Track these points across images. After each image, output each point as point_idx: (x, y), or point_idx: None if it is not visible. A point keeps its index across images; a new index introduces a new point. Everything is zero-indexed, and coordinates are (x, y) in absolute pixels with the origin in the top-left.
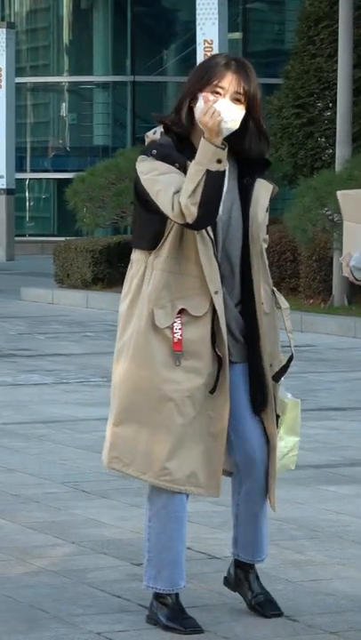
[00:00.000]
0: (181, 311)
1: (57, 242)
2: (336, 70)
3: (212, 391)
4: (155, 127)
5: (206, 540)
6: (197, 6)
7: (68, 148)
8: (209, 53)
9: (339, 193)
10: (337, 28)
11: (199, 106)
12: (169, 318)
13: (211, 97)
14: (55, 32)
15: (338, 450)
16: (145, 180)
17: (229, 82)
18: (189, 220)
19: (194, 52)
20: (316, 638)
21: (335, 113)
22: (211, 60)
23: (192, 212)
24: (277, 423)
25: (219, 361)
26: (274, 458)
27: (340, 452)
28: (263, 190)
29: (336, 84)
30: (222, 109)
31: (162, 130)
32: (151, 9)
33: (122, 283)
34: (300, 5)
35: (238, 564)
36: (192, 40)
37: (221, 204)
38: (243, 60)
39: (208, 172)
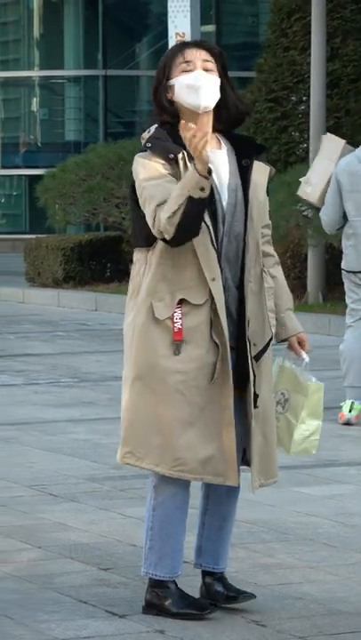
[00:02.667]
0: (182, 301)
1: (28, 239)
2: (310, 63)
3: (212, 379)
4: (127, 121)
5: None
6: None
7: (39, 144)
8: None
9: (324, 136)
10: (310, 20)
11: (179, 92)
12: (168, 309)
13: (190, 124)
14: (26, 26)
15: None
16: (137, 184)
17: (193, 54)
18: (167, 237)
19: (166, 45)
20: None
21: (309, 107)
22: (169, 50)
23: (169, 232)
24: (299, 407)
25: (218, 349)
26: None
27: (314, 454)
28: (261, 172)
29: (310, 77)
30: (201, 82)
31: (156, 126)
32: (123, 2)
33: (93, 281)
34: None
35: (205, 577)
36: (164, 33)
37: (227, 186)
38: (201, 39)
39: (190, 198)
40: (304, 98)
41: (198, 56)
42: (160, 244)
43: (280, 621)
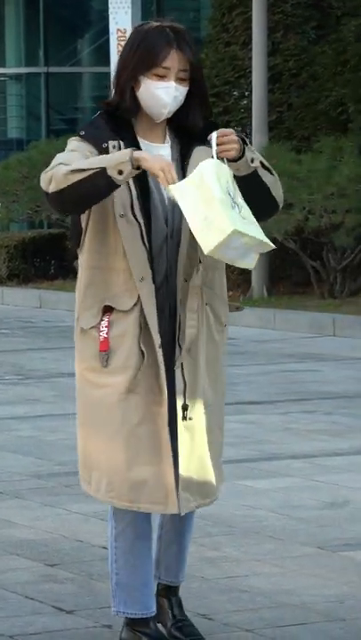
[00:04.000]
0: (109, 309)
1: None
2: (251, 58)
3: (133, 390)
4: (69, 118)
5: None
6: None
7: None
8: (123, 43)
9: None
10: (251, 15)
11: (145, 94)
12: (93, 319)
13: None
14: None
15: (256, 444)
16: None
17: (173, 60)
18: (51, 188)
19: (107, 41)
20: (232, 637)
21: (251, 101)
22: (148, 36)
23: (59, 185)
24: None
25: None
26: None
27: (259, 447)
28: (203, 155)
29: (251, 71)
30: (168, 97)
31: (98, 113)
32: None
33: (37, 278)
34: None
35: (160, 592)
36: (105, 30)
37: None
38: (179, 29)
39: (102, 172)
40: (246, 93)
41: (178, 62)
42: (87, 245)
43: (227, 614)
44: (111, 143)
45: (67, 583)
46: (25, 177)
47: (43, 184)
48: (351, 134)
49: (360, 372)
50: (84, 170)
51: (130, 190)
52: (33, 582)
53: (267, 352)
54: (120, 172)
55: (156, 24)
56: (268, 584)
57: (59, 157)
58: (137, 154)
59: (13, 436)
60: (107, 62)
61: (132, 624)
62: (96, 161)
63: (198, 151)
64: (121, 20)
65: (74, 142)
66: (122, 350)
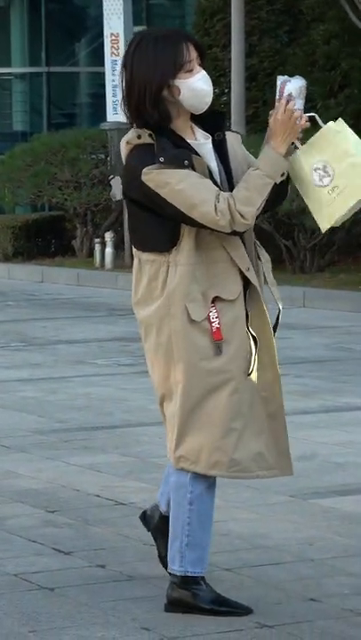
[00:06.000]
0: (215, 299)
1: None
2: (230, 59)
3: (250, 373)
4: (68, 113)
5: (114, 488)
6: (104, 2)
7: None
8: (116, 45)
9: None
10: (230, 20)
11: (187, 93)
12: (204, 310)
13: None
14: None
15: None
16: (169, 196)
17: (191, 51)
18: (241, 229)
19: (102, 44)
20: (212, 575)
21: (230, 98)
22: (159, 44)
23: (249, 223)
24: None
25: (255, 340)
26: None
27: None
28: (236, 142)
29: (230, 71)
30: (207, 85)
31: (149, 133)
32: (63, 5)
33: (39, 255)
34: (197, 0)
35: (164, 519)
36: (100, 33)
37: (217, 171)
38: (173, 28)
39: (273, 184)
40: (226, 90)
41: (194, 54)
42: (186, 244)
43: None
44: (194, 161)
45: (65, 528)
46: (29, 165)
47: (224, 229)
48: (320, 127)
49: (327, 340)
50: (263, 200)
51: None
52: (35, 527)
53: None
54: (283, 175)
55: (152, 33)
56: (246, 528)
57: (193, 198)
58: (282, 149)
59: (18, 396)
60: (101, 63)
61: (188, 582)
62: (262, 184)
63: (230, 135)
64: (114, 24)
65: (160, 174)
66: (234, 337)
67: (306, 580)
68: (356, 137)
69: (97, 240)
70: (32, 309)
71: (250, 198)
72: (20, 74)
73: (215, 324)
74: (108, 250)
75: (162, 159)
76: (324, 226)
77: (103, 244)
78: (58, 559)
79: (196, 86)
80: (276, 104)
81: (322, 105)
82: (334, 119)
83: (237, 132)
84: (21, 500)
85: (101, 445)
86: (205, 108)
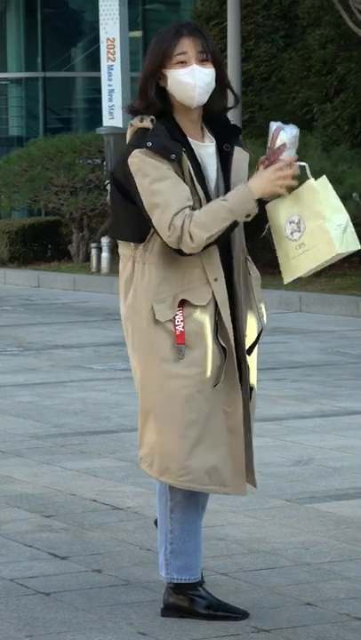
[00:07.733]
0: (183, 302)
1: None
2: (227, 64)
3: (215, 384)
4: (64, 118)
5: (110, 493)
6: (100, 8)
7: None
8: (112, 50)
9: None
10: (226, 25)
11: (173, 85)
12: (170, 311)
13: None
14: None
15: None
16: (142, 187)
17: (187, 45)
18: (187, 250)
19: (98, 49)
20: (209, 579)
21: None
22: (163, 35)
23: (196, 248)
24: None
25: (224, 352)
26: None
27: None
28: (242, 159)
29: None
30: (197, 80)
31: (151, 118)
32: (59, 10)
33: (36, 260)
34: (193, 5)
35: None
36: (96, 39)
37: (214, 181)
38: (192, 23)
39: (233, 222)
40: None
41: (193, 47)
42: (157, 245)
43: (204, 560)
44: (182, 156)
45: (61, 532)
46: (25, 170)
47: (170, 240)
48: (316, 132)
49: (323, 344)
50: (217, 232)
51: (197, 194)
52: (31, 531)
53: None
54: (248, 216)
55: (171, 26)
56: (242, 533)
57: (158, 198)
58: (256, 193)
59: (14, 401)
60: (97, 68)
61: (182, 588)
62: (223, 217)
63: (238, 151)
64: (110, 30)
65: (143, 160)
66: (198, 344)
67: (302, 585)
68: (337, 200)
69: (93, 245)
70: (28, 314)
71: (206, 224)
72: (16, 79)
73: (179, 328)
74: (105, 255)
75: (149, 144)
76: (287, 279)
77: (99, 249)
78: (54, 564)
79: (181, 79)
80: (268, 151)
81: (318, 110)
82: (331, 123)
83: (247, 152)
84: (17, 504)
85: (98, 450)
86: (194, 103)
